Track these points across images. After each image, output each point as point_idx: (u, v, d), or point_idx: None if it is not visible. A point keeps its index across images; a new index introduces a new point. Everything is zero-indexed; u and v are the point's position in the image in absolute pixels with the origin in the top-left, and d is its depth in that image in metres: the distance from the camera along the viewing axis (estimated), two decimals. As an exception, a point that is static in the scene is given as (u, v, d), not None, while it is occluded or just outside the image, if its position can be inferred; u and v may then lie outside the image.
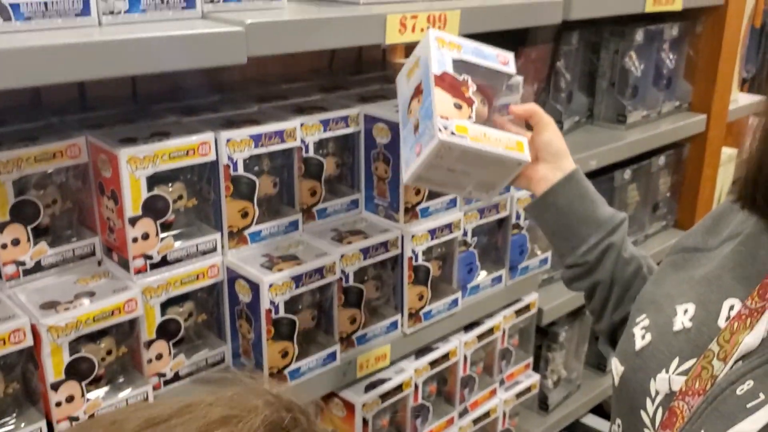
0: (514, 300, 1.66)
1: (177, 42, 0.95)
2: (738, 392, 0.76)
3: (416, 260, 1.36)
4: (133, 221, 1.07)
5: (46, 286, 1.07)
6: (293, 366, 1.20)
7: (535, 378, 1.77)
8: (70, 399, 1.02)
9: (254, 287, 1.14)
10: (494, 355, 1.66)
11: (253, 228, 1.21)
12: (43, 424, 1.01)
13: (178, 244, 1.13)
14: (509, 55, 1.13)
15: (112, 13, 0.97)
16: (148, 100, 1.35)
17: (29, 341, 0.97)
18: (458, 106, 1.02)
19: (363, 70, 1.74)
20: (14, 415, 1.02)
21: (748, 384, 0.75)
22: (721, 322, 0.82)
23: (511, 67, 1.11)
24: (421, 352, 1.47)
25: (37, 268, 1.08)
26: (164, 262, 1.12)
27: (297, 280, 1.16)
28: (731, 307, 0.82)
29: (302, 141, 1.26)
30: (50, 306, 1.01)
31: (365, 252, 1.27)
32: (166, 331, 1.14)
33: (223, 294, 1.21)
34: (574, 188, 1.07)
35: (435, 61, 1.03)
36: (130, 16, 0.98)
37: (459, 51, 1.07)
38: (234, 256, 1.19)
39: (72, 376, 1.02)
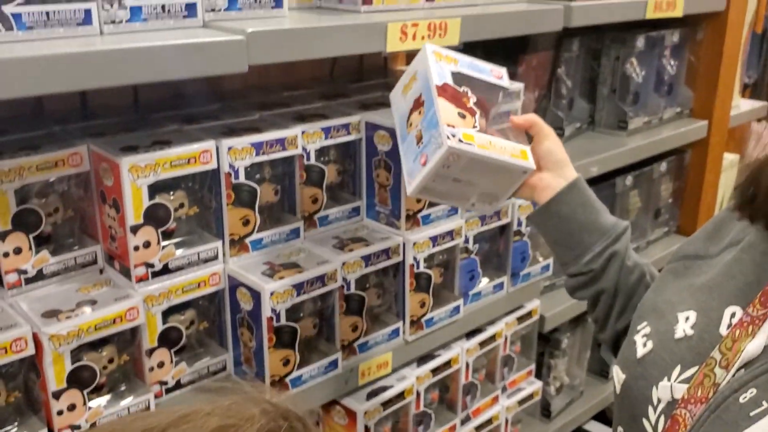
0: (516, 307, 1.65)
1: (178, 51, 0.95)
2: (741, 400, 0.75)
3: (418, 267, 1.36)
4: (135, 229, 1.07)
5: (47, 294, 1.08)
6: (295, 374, 1.20)
7: (538, 385, 1.77)
8: (71, 407, 1.02)
9: (255, 295, 1.14)
10: (496, 362, 1.65)
11: (255, 236, 1.21)
12: (44, 432, 1.01)
13: (179, 252, 1.13)
14: (502, 70, 1.15)
15: (113, 22, 0.97)
16: (150, 109, 1.36)
17: (31, 350, 0.98)
18: (462, 116, 1.02)
19: (364, 77, 1.75)
20: (16, 423, 1.02)
21: (751, 392, 0.75)
22: (723, 330, 0.82)
23: (505, 81, 1.13)
24: (423, 360, 1.46)
25: (39, 276, 1.08)
26: (166, 270, 1.12)
27: (298, 287, 1.16)
28: (733, 315, 0.82)
29: (303, 148, 1.26)
30: (52, 314, 1.01)
31: (367, 259, 1.27)
32: (167, 339, 1.14)
33: (224, 302, 1.21)
34: (576, 197, 1.07)
35: (435, 73, 1.04)
36: (132, 25, 0.99)
37: (456, 65, 1.08)
38: (235, 264, 1.19)
39: (73, 384, 1.02)
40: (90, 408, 1.04)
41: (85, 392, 1.03)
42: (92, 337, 1.02)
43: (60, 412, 1.01)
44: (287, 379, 1.20)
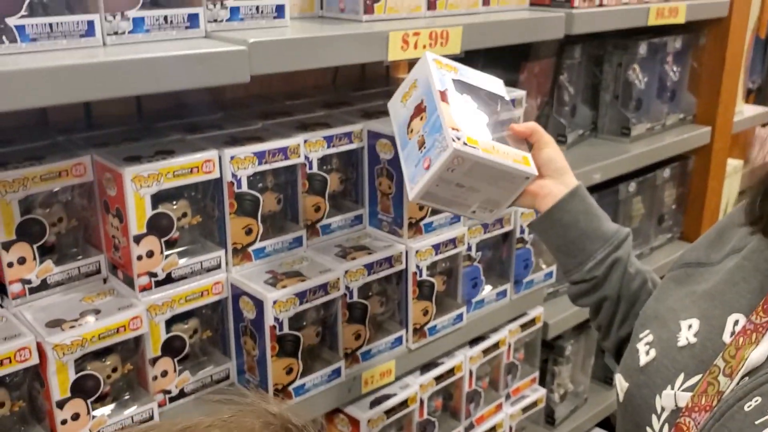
0: (519, 314, 1.65)
1: (180, 61, 0.96)
2: (746, 408, 0.75)
3: (420, 275, 1.36)
4: (138, 239, 1.08)
5: (51, 304, 1.08)
6: (298, 382, 1.20)
7: (542, 392, 1.77)
8: (75, 417, 1.02)
9: (258, 304, 1.14)
10: (500, 369, 1.65)
11: (257, 245, 1.22)
12: (48, 442, 1.01)
13: (182, 261, 1.14)
14: (499, 81, 1.16)
15: (116, 33, 0.98)
16: (153, 118, 1.36)
17: (35, 359, 0.98)
18: None
19: (367, 85, 1.75)
20: (20, 433, 1.03)
21: (756, 400, 0.75)
22: (726, 338, 0.82)
23: (502, 92, 1.13)
24: (426, 368, 1.46)
25: (43, 286, 1.09)
26: (169, 279, 1.12)
27: (301, 296, 1.16)
28: (736, 322, 0.82)
29: (306, 157, 1.27)
30: (56, 324, 1.02)
31: (369, 268, 1.28)
32: (171, 348, 1.14)
33: (227, 311, 1.21)
34: (578, 204, 1.07)
35: (437, 79, 1.04)
36: (134, 36, 0.99)
37: (456, 73, 1.08)
38: (238, 273, 1.19)
39: (77, 393, 1.02)
40: (94, 417, 1.05)
41: (88, 401, 1.04)
42: (96, 346, 1.03)
43: (64, 422, 1.01)
44: (290, 388, 1.20)
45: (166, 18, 1.02)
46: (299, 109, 1.46)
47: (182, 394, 1.17)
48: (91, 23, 0.95)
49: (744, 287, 0.84)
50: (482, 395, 1.61)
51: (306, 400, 1.22)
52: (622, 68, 1.99)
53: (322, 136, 1.29)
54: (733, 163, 2.53)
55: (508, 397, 1.69)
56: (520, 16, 1.46)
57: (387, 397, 1.37)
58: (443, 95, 1.03)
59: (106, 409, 1.07)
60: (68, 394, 1.01)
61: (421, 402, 1.44)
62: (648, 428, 0.85)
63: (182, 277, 1.14)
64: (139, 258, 1.08)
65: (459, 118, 1.02)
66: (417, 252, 1.34)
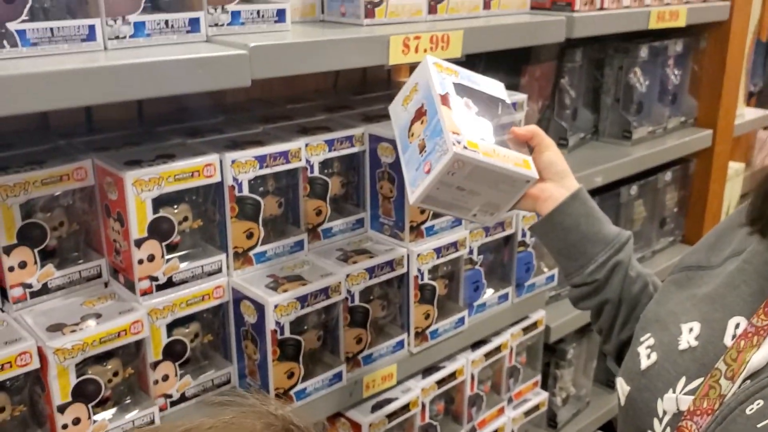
0: (521, 317, 1.65)
1: (181, 66, 0.96)
2: (748, 412, 0.75)
3: (422, 279, 1.36)
4: (139, 243, 1.08)
5: (52, 308, 1.08)
6: (299, 386, 1.20)
7: (544, 396, 1.76)
8: (76, 421, 1.02)
9: (259, 308, 1.14)
10: (502, 373, 1.65)
11: (258, 248, 1.22)
12: (49, 446, 1.01)
13: (183, 265, 1.14)
14: (500, 85, 1.16)
15: (117, 38, 0.98)
16: (154, 122, 1.36)
17: (36, 364, 0.98)
18: None
19: (368, 89, 1.75)
20: (21, 437, 1.03)
21: (758, 404, 0.75)
22: (727, 341, 0.82)
23: (503, 95, 1.13)
24: (427, 371, 1.46)
25: (44, 290, 1.09)
26: (170, 283, 1.12)
27: (302, 300, 1.16)
28: (737, 325, 0.82)
29: (307, 161, 1.27)
30: (57, 328, 1.02)
31: (371, 271, 1.27)
32: (172, 352, 1.14)
33: (228, 315, 1.21)
34: (579, 207, 1.07)
35: (437, 83, 1.04)
36: (135, 40, 1.00)
37: (457, 76, 1.08)
38: (239, 277, 1.19)
39: (78, 398, 1.02)
40: (95, 421, 1.04)
41: (90, 406, 1.03)
42: (97, 350, 1.02)
43: (65, 426, 1.01)
44: (292, 392, 1.19)
45: (167, 22, 1.02)
46: (300, 113, 1.46)
47: (183, 398, 1.17)
48: (92, 27, 0.96)
49: (745, 290, 0.84)
50: (484, 399, 1.61)
51: (307, 404, 1.22)
52: (623, 71, 1.99)
53: (324, 139, 1.29)
54: (735, 166, 2.53)
55: (510, 400, 1.69)
56: (521, 20, 1.46)
57: (388, 401, 1.37)
58: (444, 99, 1.03)
59: (107, 414, 1.07)
60: (69, 399, 1.01)
61: (423, 406, 1.44)
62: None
63: (183, 281, 1.14)
64: (140, 262, 1.08)
65: (460, 121, 1.02)
66: (418, 255, 1.34)
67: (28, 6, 0.90)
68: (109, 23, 0.97)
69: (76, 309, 1.08)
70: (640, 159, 1.95)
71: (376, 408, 1.35)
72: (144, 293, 1.10)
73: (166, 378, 1.14)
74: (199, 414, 1.08)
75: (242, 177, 1.17)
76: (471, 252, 1.47)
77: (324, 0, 1.31)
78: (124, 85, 0.91)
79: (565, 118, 1.91)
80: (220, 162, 1.14)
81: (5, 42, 0.89)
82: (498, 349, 1.59)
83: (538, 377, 1.77)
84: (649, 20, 1.78)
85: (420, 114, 1.06)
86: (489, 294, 1.55)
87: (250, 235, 1.20)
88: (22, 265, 1.05)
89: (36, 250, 1.07)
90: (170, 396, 1.15)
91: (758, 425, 0.73)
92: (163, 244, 1.10)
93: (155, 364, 1.12)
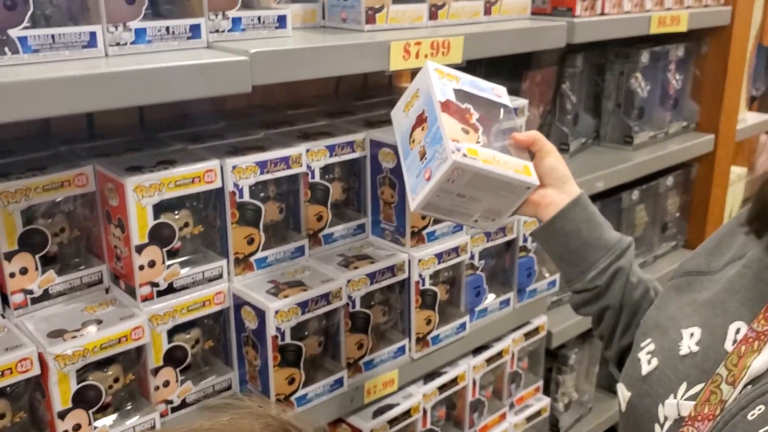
0: (522, 323, 1.65)
1: (182, 72, 0.96)
2: (749, 417, 0.75)
3: (423, 284, 1.36)
4: (140, 249, 1.08)
5: (53, 314, 1.08)
6: (300, 392, 1.20)
7: (546, 401, 1.76)
8: (77, 427, 1.02)
9: (260, 314, 1.14)
10: (503, 378, 1.65)
11: (259, 254, 1.22)
12: (50, 452, 1.01)
13: (184, 271, 1.14)
14: (502, 89, 1.15)
15: (118, 44, 0.98)
16: (155, 128, 1.37)
17: (36, 370, 0.98)
18: (465, 131, 1.03)
19: (369, 95, 1.76)
20: (22, 444, 1.03)
21: (759, 409, 0.75)
22: (728, 346, 0.82)
23: (505, 100, 1.13)
24: (429, 377, 1.46)
25: (45, 296, 1.09)
26: (171, 289, 1.12)
27: (303, 306, 1.16)
28: (737, 331, 0.82)
29: (308, 166, 1.27)
30: (58, 334, 1.02)
31: (372, 277, 1.27)
32: (173, 358, 1.14)
33: (229, 321, 1.21)
34: (580, 213, 1.06)
35: (438, 89, 1.04)
36: (136, 46, 1.00)
37: (458, 82, 1.08)
38: (240, 283, 1.19)
39: (79, 404, 1.02)
40: (95, 428, 1.04)
41: (90, 412, 1.03)
42: (98, 356, 1.02)
43: (65, 432, 1.01)
44: (292, 398, 1.19)
45: (168, 29, 1.02)
46: (301, 119, 1.46)
47: (184, 404, 1.17)
48: (93, 34, 0.96)
49: (745, 295, 0.84)
50: (486, 405, 1.60)
51: (308, 410, 1.22)
52: (624, 77, 1.99)
53: (325, 145, 1.29)
54: (737, 171, 2.53)
55: (511, 406, 1.69)
56: (522, 26, 1.46)
57: (390, 407, 1.37)
58: (444, 106, 1.03)
59: (107, 420, 1.07)
60: (70, 405, 1.01)
61: (424, 412, 1.43)
62: (651, 438, 0.85)
63: (184, 287, 1.14)
64: (141, 268, 1.09)
65: (459, 129, 1.02)
66: (420, 261, 1.33)
67: (29, 13, 0.91)
68: (110, 30, 0.97)
69: (77, 315, 1.08)
70: (641, 164, 1.95)
71: (377, 414, 1.35)
72: (145, 299, 1.10)
73: (167, 384, 1.14)
74: (198, 419, 1.08)
75: (243, 183, 1.17)
76: (472, 257, 1.47)
77: (325, 6, 1.31)
78: (125, 91, 0.92)
79: (567, 123, 1.91)
80: (221, 168, 1.14)
81: (6, 49, 0.89)
82: (499, 355, 1.59)
83: (540, 383, 1.76)
84: (650, 25, 1.78)
85: (421, 120, 1.06)
86: (490, 299, 1.54)
87: (250, 241, 1.20)
88: (23, 271, 1.06)
89: (37, 256, 1.07)
90: (171, 402, 1.15)
91: (760, 431, 0.73)
92: (164, 250, 1.10)
93: (156, 370, 1.12)
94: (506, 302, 1.57)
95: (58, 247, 1.12)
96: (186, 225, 1.15)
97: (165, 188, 1.08)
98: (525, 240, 1.57)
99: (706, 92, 2.22)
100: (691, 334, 0.86)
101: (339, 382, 1.26)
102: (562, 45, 1.54)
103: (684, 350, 0.85)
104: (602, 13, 1.66)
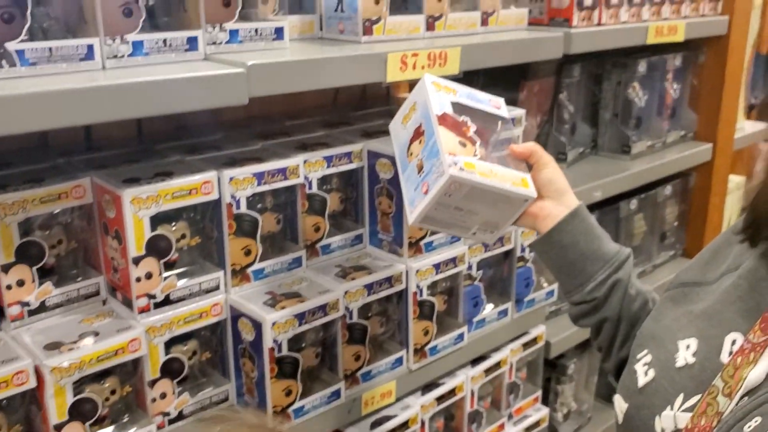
0: (521, 333, 1.65)
1: (179, 84, 0.96)
2: (746, 429, 0.75)
3: (421, 295, 1.36)
4: (137, 261, 1.08)
5: (50, 326, 1.08)
6: (297, 404, 1.20)
7: (545, 411, 1.75)
8: (73, 440, 1.02)
9: (257, 326, 1.14)
10: (502, 389, 1.64)
11: (256, 265, 1.22)
12: (46, 465, 1.01)
13: (181, 282, 1.13)
14: (500, 100, 1.15)
15: (115, 56, 0.99)
16: (153, 140, 1.37)
17: (32, 383, 0.98)
18: (463, 144, 1.03)
19: (367, 105, 1.76)
20: (18, 457, 1.02)
21: (756, 421, 0.74)
22: (724, 357, 0.82)
23: (503, 111, 1.13)
24: (427, 388, 1.46)
25: (42, 308, 1.09)
26: (168, 301, 1.12)
27: (300, 317, 1.16)
28: (733, 342, 0.82)
29: (305, 177, 1.27)
30: (54, 347, 1.02)
31: (369, 288, 1.27)
32: (170, 369, 1.14)
33: (226, 332, 1.21)
34: (579, 225, 1.06)
35: (435, 102, 1.04)
36: (134, 59, 1.00)
37: (455, 95, 1.08)
38: (237, 294, 1.19)
39: (75, 417, 1.02)
40: (92, 440, 1.04)
41: (87, 425, 1.03)
42: (94, 369, 1.02)
43: (62, 445, 1.01)
44: (289, 410, 1.19)
45: (165, 41, 1.03)
46: (299, 129, 1.47)
47: (181, 416, 1.17)
48: (90, 47, 0.96)
49: (740, 306, 0.84)
50: (484, 415, 1.60)
51: (305, 422, 1.22)
52: (622, 86, 2.00)
53: (322, 156, 1.30)
54: (735, 180, 2.53)
55: (510, 416, 1.68)
56: (519, 36, 1.47)
57: (388, 418, 1.36)
58: (441, 119, 1.03)
59: (104, 432, 1.07)
60: (66, 418, 1.00)
61: (423, 423, 1.43)
62: (648, 450, 0.84)
63: (181, 299, 1.14)
64: (138, 280, 1.08)
65: (456, 142, 1.02)
66: (417, 271, 1.33)
67: (26, 26, 0.91)
68: (107, 42, 0.98)
69: (74, 327, 1.08)
70: (639, 173, 1.95)
71: (375, 425, 1.34)
72: (142, 311, 1.10)
73: (164, 396, 1.14)
74: (191, 430, 1.08)
75: (240, 194, 1.17)
76: (470, 267, 1.47)
77: (323, 17, 1.31)
78: (122, 104, 0.92)
79: (564, 132, 1.92)
80: (218, 179, 1.14)
81: (4, 62, 0.90)
82: (498, 365, 1.59)
83: (539, 393, 1.76)
84: (647, 35, 1.79)
85: (418, 134, 1.06)
86: (488, 309, 1.54)
87: (248, 252, 1.20)
88: (20, 283, 1.06)
89: (34, 268, 1.07)
90: (168, 414, 1.15)
91: (757, 442, 0.73)
92: (161, 261, 1.10)
93: (153, 382, 1.12)
94: (504, 312, 1.57)
95: (56, 258, 1.12)
96: (183, 236, 1.15)
97: (162, 200, 1.08)
98: (523, 250, 1.57)
99: (703, 101, 2.22)
100: (687, 346, 0.85)
101: (336, 394, 1.26)
102: (559, 56, 1.55)
103: (680, 362, 0.85)
104: (599, 24, 1.67)
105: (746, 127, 2.51)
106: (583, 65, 1.93)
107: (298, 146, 1.33)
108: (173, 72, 0.97)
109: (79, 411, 1.02)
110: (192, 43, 1.06)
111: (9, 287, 1.05)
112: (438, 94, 1.06)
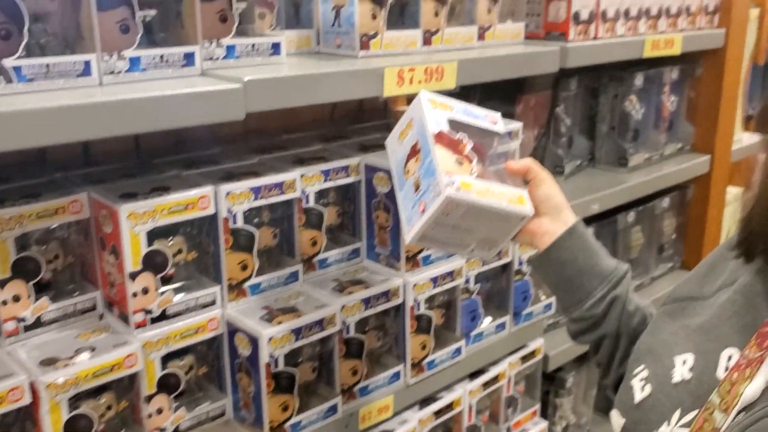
0: (519, 346, 1.64)
1: (177, 100, 0.97)
2: (743, 444, 0.74)
3: (418, 309, 1.35)
4: (133, 276, 1.08)
5: (46, 341, 1.08)
6: (294, 419, 1.19)
7: (543, 425, 1.75)
8: (68, 456, 1.02)
9: (253, 341, 1.14)
10: (500, 402, 1.64)
11: (253, 280, 1.22)
12: (41, 482, 1.00)
13: (177, 297, 1.13)
14: (497, 115, 1.15)
15: (112, 72, 0.99)
16: (151, 155, 1.37)
17: (27, 399, 0.97)
18: (459, 163, 1.03)
19: (364, 119, 1.76)
20: (12, 473, 1.02)
21: (753, 436, 0.74)
22: (720, 373, 0.81)
23: (500, 126, 1.13)
24: (425, 402, 1.45)
25: (38, 323, 1.08)
26: (164, 316, 1.12)
27: (297, 332, 1.16)
28: (729, 357, 0.81)
29: (302, 191, 1.27)
30: (50, 362, 1.01)
31: (366, 302, 1.27)
32: (166, 385, 1.14)
33: (223, 347, 1.21)
34: (576, 242, 1.06)
35: (431, 120, 1.04)
36: (131, 75, 1.00)
37: (451, 111, 1.08)
38: (233, 309, 1.19)
39: (70, 433, 1.01)
40: (87, 456, 1.04)
41: (82, 441, 1.03)
42: (90, 384, 1.02)
43: (57, 461, 1.00)
44: (286, 425, 1.19)
45: (162, 57, 1.03)
46: (296, 144, 1.47)
47: (177, 431, 1.16)
48: (87, 63, 0.97)
49: (737, 321, 0.83)
50: (482, 429, 1.59)
51: (302, 436, 1.21)
52: (618, 99, 2.00)
53: (319, 170, 1.30)
54: (734, 191, 2.53)
55: (509, 430, 1.67)
56: (515, 51, 1.47)
57: (385, 432, 1.36)
58: (437, 137, 1.03)
59: (100, 448, 1.07)
60: (61, 434, 1.00)
61: (420, 437, 1.43)
62: (645, 466, 0.84)
63: (177, 314, 1.14)
64: (134, 295, 1.08)
65: (453, 161, 1.02)
66: (415, 285, 1.33)
67: (24, 42, 0.91)
68: (104, 58, 0.98)
69: (71, 342, 1.08)
70: (636, 186, 1.95)
71: (372, 440, 1.34)
72: (138, 326, 1.10)
73: (160, 411, 1.13)
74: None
75: (237, 208, 1.17)
76: (467, 281, 1.47)
77: (320, 32, 1.32)
78: (120, 120, 0.92)
79: (561, 145, 1.92)
80: (215, 194, 1.14)
81: (1, 78, 0.90)
82: (496, 379, 1.58)
83: (537, 406, 1.75)
84: (643, 49, 1.79)
85: (415, 151, 1.06)
86: (486, 323, 1.54)
87: (244, 267, 1.20)
88: (16, 298, 1.05)
89: (30, 284, 1.07)
90: (164, 429, 1.14)
91: (754, 459, 0.73)
92: (158, 276, 1.10)
93: (149, 398, 1.12)
94: (502, 326, 1.57)
95: (52, 273, 1.12)
96: (179, 251, 1.15)
97: (159, 215, 1.08)
98: (520, 263, 1.57)
99: (701, 113, 2.23)
100: (684, 361, 0.85)
101: (333, 409, 1.25)
102: (555, 70, 1.56)
103: (677, 377, 0.85)
104: (596, 38, 1.67)
105: (744, 139, 2.51)
106: (580, 78, 1.93)
107: (295, 160, 1.33)
108: (170, 88, 0.98)
109: (74, 427, 1.01)
110: (189, 58, 1.06)
111: (5, 303, 1.05)
112: (434, 112, 1.06)
